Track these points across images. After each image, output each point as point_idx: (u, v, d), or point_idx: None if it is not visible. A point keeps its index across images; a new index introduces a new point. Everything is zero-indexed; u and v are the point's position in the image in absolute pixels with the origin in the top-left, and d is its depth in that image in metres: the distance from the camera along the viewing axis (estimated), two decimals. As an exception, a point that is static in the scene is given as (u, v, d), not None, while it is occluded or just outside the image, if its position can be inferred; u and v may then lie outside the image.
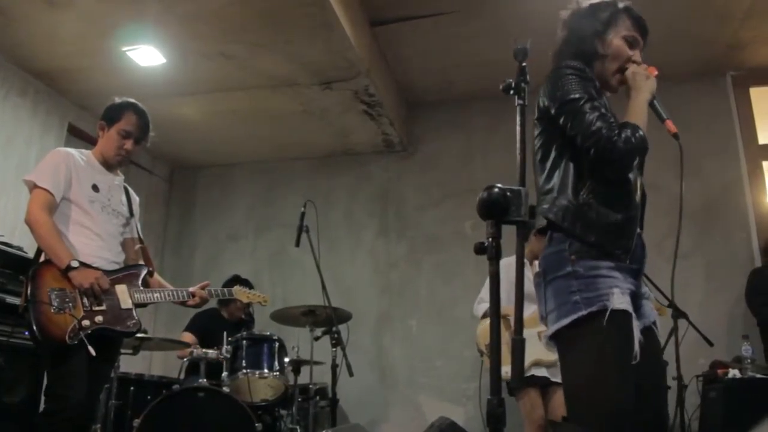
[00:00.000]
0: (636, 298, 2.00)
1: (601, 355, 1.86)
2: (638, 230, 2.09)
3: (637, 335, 1.89)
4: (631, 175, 2.07)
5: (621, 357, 1.86)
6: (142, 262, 3.24)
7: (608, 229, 1.96)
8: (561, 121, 2.01)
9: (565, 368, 1.96)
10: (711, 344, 4.13)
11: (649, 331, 2.02)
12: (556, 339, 1.96)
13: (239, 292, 3.57)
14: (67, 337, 2.69)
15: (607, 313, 1.85)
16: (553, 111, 2.04)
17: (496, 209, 1.47)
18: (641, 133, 2.00)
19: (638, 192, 2.11)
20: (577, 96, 2.00)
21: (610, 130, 1.93)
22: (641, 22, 2.24)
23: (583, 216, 1.96)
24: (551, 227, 2.01)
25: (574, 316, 1.88)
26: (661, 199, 5.91)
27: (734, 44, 5.54)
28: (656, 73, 2.12)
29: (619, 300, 1.88)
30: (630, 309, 1.90)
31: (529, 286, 4.23)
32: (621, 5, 2.25)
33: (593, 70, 2.15)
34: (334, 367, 4.15)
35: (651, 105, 2.10)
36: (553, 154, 2.06)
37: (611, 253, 1.94)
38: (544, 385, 4.05)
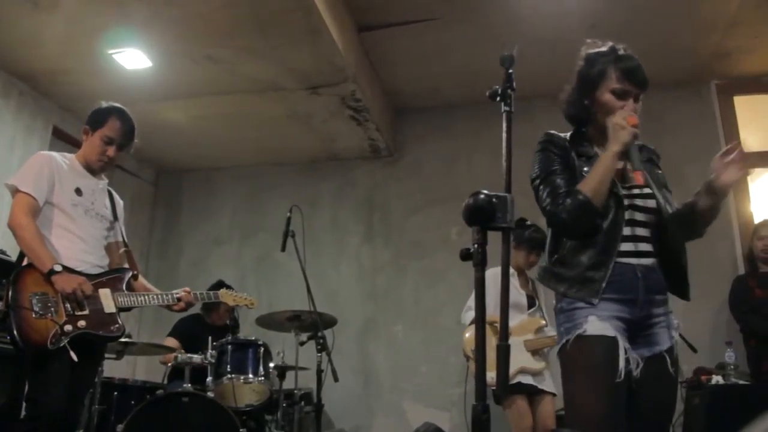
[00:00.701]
0: (635, 325, 2.14)
1: (576, 378, 2.11)
2: (636, 261, 2.18)
3: (621, 356, 2.04)
4: (605, 223, 2.15)
5: (594, 379, 2.05)
6: (126, 266, 3.22)
7: (573, 280, 2.15)
8: None
9: (564, 389, 2.17)
10: (695, 351, 4.15)
11: (657, 359, 2.14)
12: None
13: (225, 295, 3.54)
14: (48, 343, 2.66)
15: (572, 339, 2.09)
16: None
17: (481, 215, 1.48)
18: (580, 197, 2.09)
19: (621, 228, 2.17)
20: (534, 176, 2.25)
21: (554, 205, 2.13)
22: (632, 72, 2.28)
23: (554, 273, 2.21)
24: None
25: (559, 345, 2.17)
26: (646, 206, 5.99)
27: (718, 53, 5.60)
28: (635, 122, 2.14)
29: (594, 326, 2.07)
30: (609, 333, 2.06)
31: (516, 296, 4.27)
32: (614, 56, 2.29)
33: (590, 128, 2.30)
34: (320, 372, 4.14)
35: (626, 154, 2.13)
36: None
37: (582, 298, 2.12)
38: (531, 393, 4.06)
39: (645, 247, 2.21)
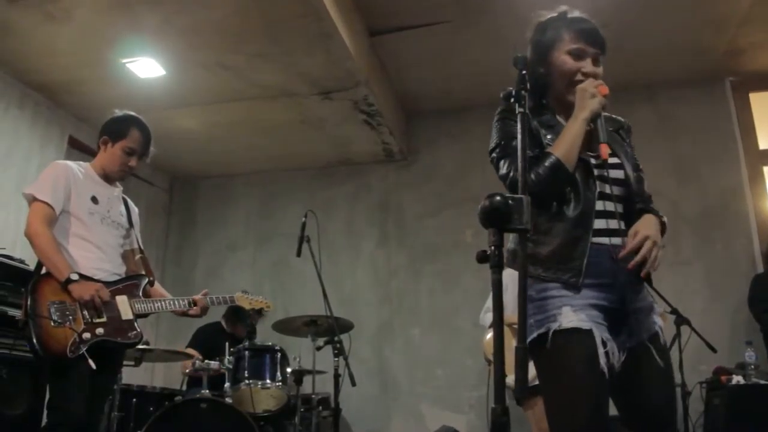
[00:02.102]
0: (614, 312, 1.92)
1: (552, 375, 1.91)
2: (608, 241, 1.96)
3: (600, 351, 1.83)
4: (576, 196, 1.97)
5: (571, 375, 1.86)
6: (142, 272, 3.23)
7: (549, 260, 1.94)
8: None
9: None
10: (714, 350, 4.11)
11: (641, 348, 1.93)
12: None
13: (241, 298, 3.53)
14: (68, 351, 2.67)
15: (550, 334, 1.86)
16: None
17: (498, 217, 1.47)
18: (550, 161, 1.92)
19: (594, 202, 1.98)
20: (493, 146, 2.07)
21: (509, 169, 1.97)
22: (586, 32, 2.15)
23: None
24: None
25: (529, 339, 1.89)
26: (660, 205, 5.94)
27: (732, 50, 5.56)
28: (606, 92, 2.00)
29: (569, 319, 1.86)
30: (585, 326, 1.85)
31: None
32: (567, 18, 2.18)
33: (550, 98, 2.13)
34: (337, 376, 4.13)
35: (594, 123, 1.97)
36: None
37: (559, 279, 1.92)
38: None
39: (615, 224, 1.96)
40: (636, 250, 1.87)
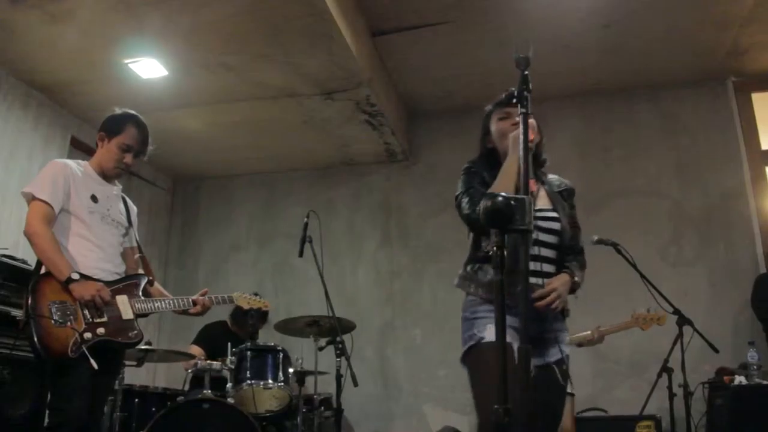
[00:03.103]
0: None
1: (475, 381, 2.30)
2: (534, 281, 2.33)
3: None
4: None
5: (485, 386, 2.20)
6: (141, 272, 3.23)
7: (489, 285, 2.37)
8: None
9: None
10: (716, 351, 4.11)
11: (546, 368, 2.33)
12: None
13: (240, 298, 3.52)
14: (69, 351, 2.67)
15: (476, 345, 2.31)
16: None
17: (500, 218, 1.47)
18: (487, 203, 2.16)
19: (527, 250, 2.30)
20: (457, 194, 2.51)
21: (473, 207, 2.36)
22: (503, 101, 2.55)
23: (472, 278, 2.48)
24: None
25: (462, 352, 2.40)
26: (663, 205, 5.95)
27: (734, 50, 5.55)
28: (532, 137, 2.29)
29: (491, 333, 2.22)
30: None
31: None
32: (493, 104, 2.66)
33: (498, 159, 2.50)
34: (339, 377, 4.13)
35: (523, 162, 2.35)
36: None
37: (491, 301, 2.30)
38: None
39: (548, 268, 2.39)
40: (544, 297, 2.29)
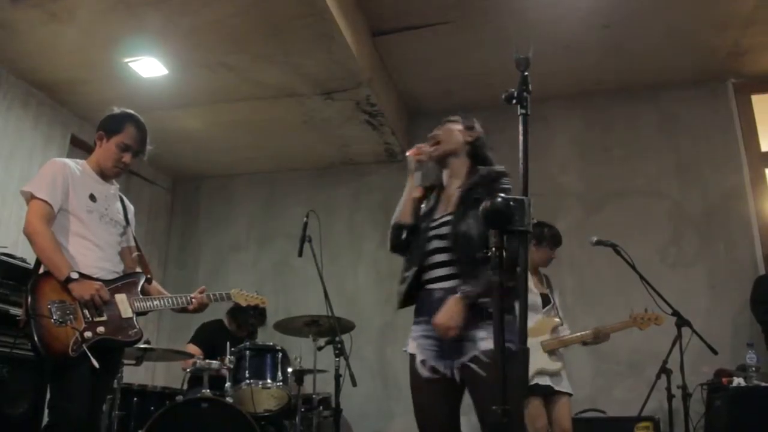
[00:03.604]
0: (442, 340, 2.54)
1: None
2: (430, 287, 2.61)
3: (419, 368, 2.68)
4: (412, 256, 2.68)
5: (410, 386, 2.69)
6: (139, 270, 3.23)
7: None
8: None
9: None
10: (715, 352, 4.11)
11: (466, 366, 2.48)
12: None
13: (237, 295, 3.52)
14: (69, 350, 2.67)
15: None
16: None
17: (500, 219, 1.47)
18: (392, 221, 2.82)
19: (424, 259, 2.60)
20: None
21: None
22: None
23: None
24: None
25: None
26: (663, 206, 5.95)
27: (735, 52, 5.55)
28: (411, 153, 2.84)
29: (409, 346, 2.78)
30: (413, 351, 2.76)
31: (531, 297, 4.24)
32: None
33: None
34: (338, 376, 4.14)
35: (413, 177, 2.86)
36: None
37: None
38: (547, 394, 4.03)
39: (445, 271, 2.54)
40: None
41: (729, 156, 5.81)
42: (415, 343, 2.64)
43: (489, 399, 2.39)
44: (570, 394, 4.09)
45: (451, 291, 2.45)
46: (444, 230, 2.53)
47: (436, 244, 2.54)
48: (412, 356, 2.65)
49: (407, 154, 2.79)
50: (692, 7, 4.99)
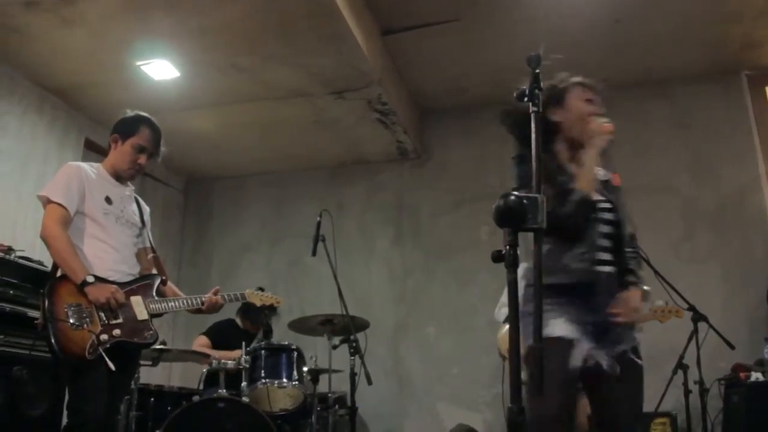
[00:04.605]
0: (598, 326, 2.29)
1: (531, 377, 2.10)
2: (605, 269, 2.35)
3: (576, 356, 2.19)
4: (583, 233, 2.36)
5: (552, 376, 2.04)
6: (155, 272, 3.25)
7: (562, 276, 2.29)
8: None
9: None
10: (732, 347, 4.09)
11: (622, 354, 2.29)
12: None
13: (252, 295, 3.53)
14: (86, 353, 2.69)
15: (546, 340, 2.09)
16: None
17: (513, 217, 1.47)
18: (582, 193, 2.31)
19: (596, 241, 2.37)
20: (518, 186, 2.35)
21: (557, 205, 2.24)
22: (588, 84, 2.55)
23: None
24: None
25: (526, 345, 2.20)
26: (676, 201, 5.91)
27: (748, 44, 5.50)
28: (608, 128, 2.46)
29: (556, 330, 2.21)
30: (569, 335, 2.22)
31: None
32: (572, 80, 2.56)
33: (558, 140, 2.47)
34: (353, 375, 4.14)
35: (602, 158, 2.44)
36: None
37: (565, 293, 2.26)
38: None
39: (608, 256, 2.38)
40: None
41: (743, 149, 5.76)
42: (571, 327, 2.26)
43: (638, 392, 2.35)
44: None
45: (612, 276, 2.37)
46: (609, 216, 2.43)
47: (604, 228, 2.40)
48: (562, 339, 2.24)
49: (610, 128, 2.48)
50: (704, 1, 4.95)
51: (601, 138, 2.42)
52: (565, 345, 2.20)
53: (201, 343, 5.07)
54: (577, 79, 2.54)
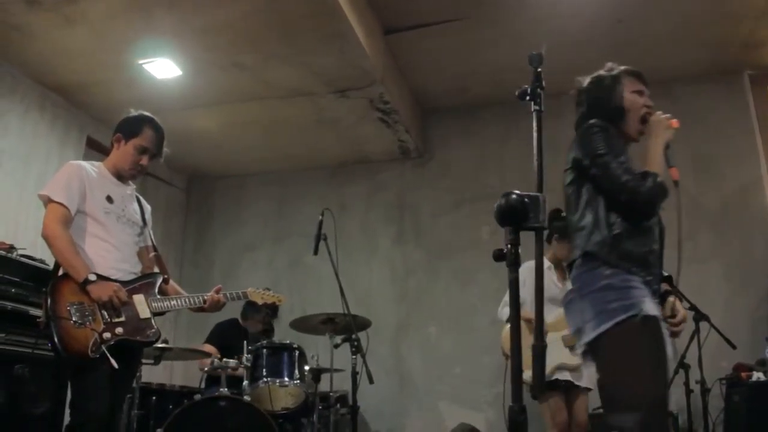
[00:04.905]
0: None
1: (639, 353, 2.11)
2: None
3: (667, 339, 2.15)
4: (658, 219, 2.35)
5: (655, 355, 2.11)
6: (156, 270, 3.25)
7: (640, 257, 2.23)
8: (592, 172, 2.30)
9: (604, 368, 2.17)
10: (734, 347, 4.09)
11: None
12: (595, 344, 2.18)
13: (254, 293, 3.53)
14: (89, 351, 2.70)
15: (640, 316, 2.09)
16: (584, 163, 2.32)
17: (514, 216, 1.47)
18: (661, 179, 2.27)
19: (657, 228, 2.36)
20: (603, 152, 2.29)
21: (636, 182, 2.24)
22: (641, 74, 2.60)
23: (616, 247, 2.23)
24: (586, 256, 2.28)
25: (613, 321, 2.12)
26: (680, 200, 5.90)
27: (750, 43, 5.50)
28: (677, 125, 2.40)
29: (651, 307, 2.13)
30: (660, 316, 2.17)
31: (553, 289, 4.24)
32: (618, 70, 2.57)
33: (618, 127, 2.42)
34: (354, 374, 4.14)
35: (665, 151, 2.37)
36: (585, 196, 2.34)
37: (643, 277, 2.20)
38: (567, 389, 4.03)
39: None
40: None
41: (745, 149, 5.76)
42: (657, 307, 2.20)
43: None
44: (589, 389, 4.09)
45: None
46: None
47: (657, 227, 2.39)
48: (657, 319, 2.16)
49: (676, 123, 2.43)
50: (706, 0, 4.95)
51: (669, 131, 2.40)
52: (659, 325, 2.15)
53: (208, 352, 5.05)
54: (625, 68, 2.57)
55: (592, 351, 2.20)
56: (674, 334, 2.26)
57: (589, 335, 2.18)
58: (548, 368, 3.99)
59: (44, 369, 3.97)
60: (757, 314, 5.25)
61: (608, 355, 2.15)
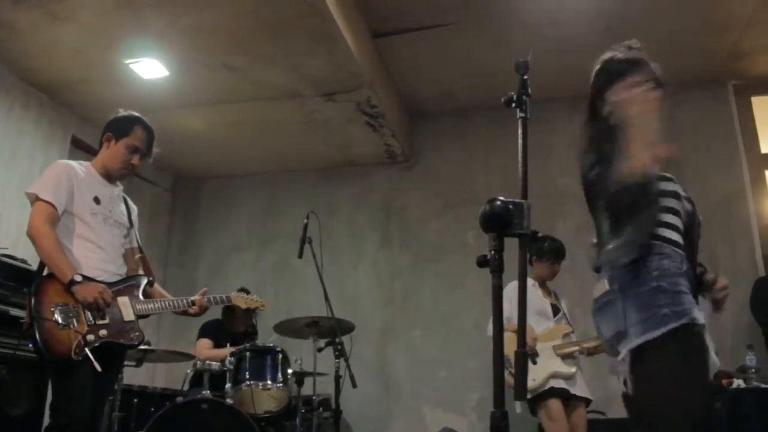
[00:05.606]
0: None
1: (688, 366, 1.99)
2: None
3: (711, 348, 2.06)
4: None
5: (704, 369, 2.02)
6: (142, 272, 3.23)
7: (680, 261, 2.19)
8: None
9: (647, 377, 2.01)
10: (715, 354, 4.11)
11: None
12: (640, 350, 2.01)
13: (237, 298, 3.54)
14: (72, 353, 2.68)
15: (692, 326, 1.99)
16: None
17: (498, 222, 1.48)
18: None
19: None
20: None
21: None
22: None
23: (660, 248, 2.21)
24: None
25: (665, 328, 1.98)
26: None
27: (735, 54, 5.56)
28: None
29: (700, 315, 2.04)
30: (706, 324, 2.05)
31: (541, 304, 4.28)
32: None
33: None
34: (338, 378, 4.14)
35: None
36: None
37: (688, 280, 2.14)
38: (565, 398, 4.05)
39: None
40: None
41: (729, 158, 5.81)
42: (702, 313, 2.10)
43: None
44: (589, 400, 4.13)
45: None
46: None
47: None
48: (704, 327, 2.06)
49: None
50: (693, 10, 5.00)
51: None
52: (704, 335, 2.03)
53: (205, 346, 5.02)
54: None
55: (632, 359, 2.03)
56: (720, 305, 2.30)
57: (633, 341, 2.01)
58: (543, 376, 4.03)
59: (23, 370, 3.93)
60: (739, 322, 5.29)
61: (655, 365, 1.99)
